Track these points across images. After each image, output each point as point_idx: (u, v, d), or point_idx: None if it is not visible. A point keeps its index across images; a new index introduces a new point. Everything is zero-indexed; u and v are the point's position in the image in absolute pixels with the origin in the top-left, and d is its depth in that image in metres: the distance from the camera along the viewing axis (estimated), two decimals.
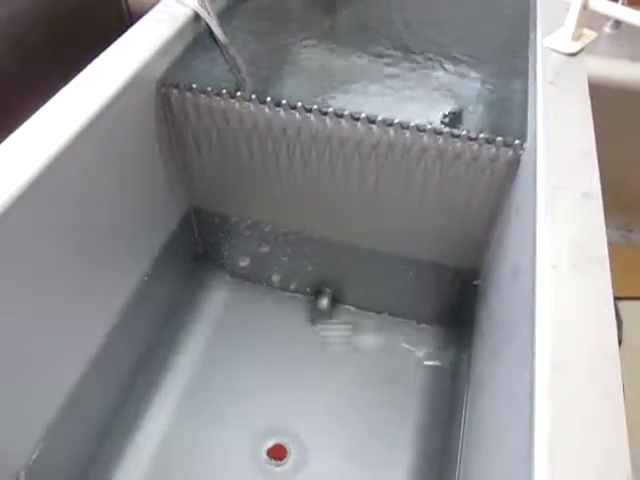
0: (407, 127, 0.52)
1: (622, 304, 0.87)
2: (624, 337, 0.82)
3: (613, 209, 0.85)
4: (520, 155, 0.50)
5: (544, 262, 0.38)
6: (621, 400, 0.31)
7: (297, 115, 0.54)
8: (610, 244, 1.01)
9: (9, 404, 0.46)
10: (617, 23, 0.80)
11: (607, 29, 0.82)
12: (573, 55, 0.55)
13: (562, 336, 0.34)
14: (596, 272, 0.37)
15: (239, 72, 0.59)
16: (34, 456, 0.50)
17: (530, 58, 0.57)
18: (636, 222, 0.96)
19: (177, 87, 0.56)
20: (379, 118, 0.52)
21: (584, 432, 0.30)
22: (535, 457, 0.29)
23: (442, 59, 0.60)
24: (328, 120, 0.54)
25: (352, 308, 0.76)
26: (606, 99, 0.77)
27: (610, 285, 0.36)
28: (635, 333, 0.83)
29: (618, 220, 0.95)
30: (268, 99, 0.54)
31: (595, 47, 0.78)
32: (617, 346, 0.33)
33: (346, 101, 0.54)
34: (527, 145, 0.49)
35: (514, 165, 0.51)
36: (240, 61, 0.60)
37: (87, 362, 0.55)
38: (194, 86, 0.55)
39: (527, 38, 0.61)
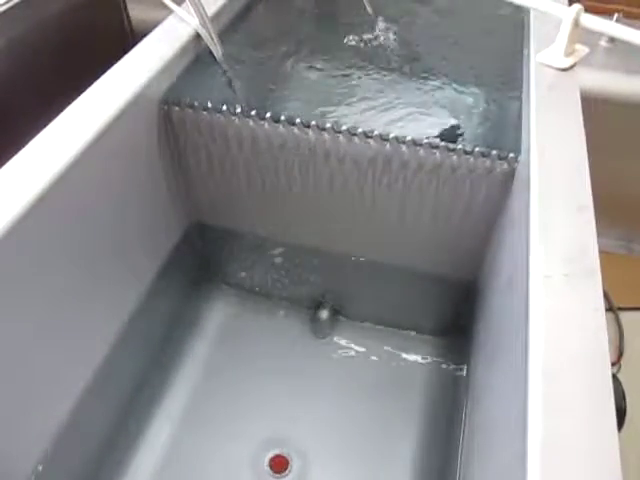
0: (403, 141, 0.53)
1: (623, 314, 0.87)
2: (625, 347, 0.83)
3: (614, 220, 0.87)
4: (514, 168, 0.51)
5: (537, 272, 0.38)
6: (612, 408, 0.31)
7: (296, 130, 0.56)
8: (611, 255, 1.01)
9: (12, 419, 0.47)
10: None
11: (603, 42, 0.84)
12: (566, 70, 0.56)
13: (554, 345, 0.34)
14: (588, 282, 0.37)
15: (239, 89, 0.60)
16: (36, 472, 0.50)
17: (524, 73, 0.59)
18: (637, 233, 0.96)
19: (178, 104, 0.57)
20: (376, 133, 0.53)
21: (576, 440, 0.30)
22: (529, 465, 0.30)
23: (439, 75, 0.62)
24: (326, 135, 0.55)
25: (352, 320, 0.76)
26: (603, 112, 0.78)
27: (601, 295, 0.37)
28: (637, 343, 0.83)
29: (619, 231, 0.95)
30: (267, 115, 0.55)
31: (591, 60, 0.79)
32: (608, 354, 0.33)
33: (344, 117, 0.56)
34: (521, 158, 0.50)
35: (509, 178, 0.52)
36: (240, 79, 0.61)
37: (90, 375, 0.56)
38: (195, 103, 0.56)
39: (521, 54, 0.62)
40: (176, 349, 0.73)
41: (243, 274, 0.77)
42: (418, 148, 0.53)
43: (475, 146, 0.51)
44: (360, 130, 0.53)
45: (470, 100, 0.58)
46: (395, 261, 0.66)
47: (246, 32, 0.69)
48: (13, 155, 0.46)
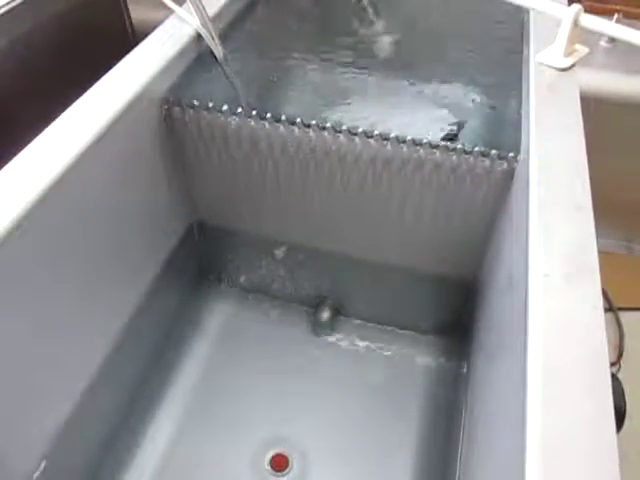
0: (404, 141, 0.53)
1: (623, 314, 0.87)
2: (625, 347, 0.83)
3: (614, 220, 0.87)
4: (514, 168, 0.51)
5: (537, 271, 0.38)
6: (611, 408, 0.31)
7: (296, 130, 0.56)
8: (611, 255, 1.01)
9: (13, 419, 0.47)
10: None
11: (603, 43, 0.84)
12: (565, 70, 0.56)
13: (554, 344, 0.34)
14: (587, 282, 0.38)
15: (240, 89, 0.60)
16: (37, 472, 0.50)
17: (524, 73, 0.59)
18: (637, 233, 0.96)
19: (179, 104, 0.57)
20: (376, 132, 0.53)
21: (575, 439, 0.30)
22: (527, 464, 0.30)
23: (439, 75, 0.62)
24: (327, 135, 0.55)
25: (353, 319, 0.76)
26: (603, 112, 0.78)
27: (600, 294, 0.37)
28: (637, 343, 0.83)
29: (619, 231, 0.95)
30: (268, 115, 0.55)
31: (591, 60, 0.79)
32: (607, 353, 0.33)
33: (344, 117, 0.56)
34: (521, 158, 0.50)
35: (509, 177, 0.52)
36: (241, 79, 0.61)
37: (90, 375, 0.56)
38: (196, 103, 0.57)
39: (521, 53, 0.62)
40: (176, 349, 0.73)
41: (243, 274, 0.77)
42: (418, 148, 0.53)
43: (475, 146, 0.52)
44: (360, 130, 0.54)
45: (469, 100, 0.58)
46: (395, 261, 0.66)
47: (247, 32, 0.70)
48: (14, 155, 0.46)
